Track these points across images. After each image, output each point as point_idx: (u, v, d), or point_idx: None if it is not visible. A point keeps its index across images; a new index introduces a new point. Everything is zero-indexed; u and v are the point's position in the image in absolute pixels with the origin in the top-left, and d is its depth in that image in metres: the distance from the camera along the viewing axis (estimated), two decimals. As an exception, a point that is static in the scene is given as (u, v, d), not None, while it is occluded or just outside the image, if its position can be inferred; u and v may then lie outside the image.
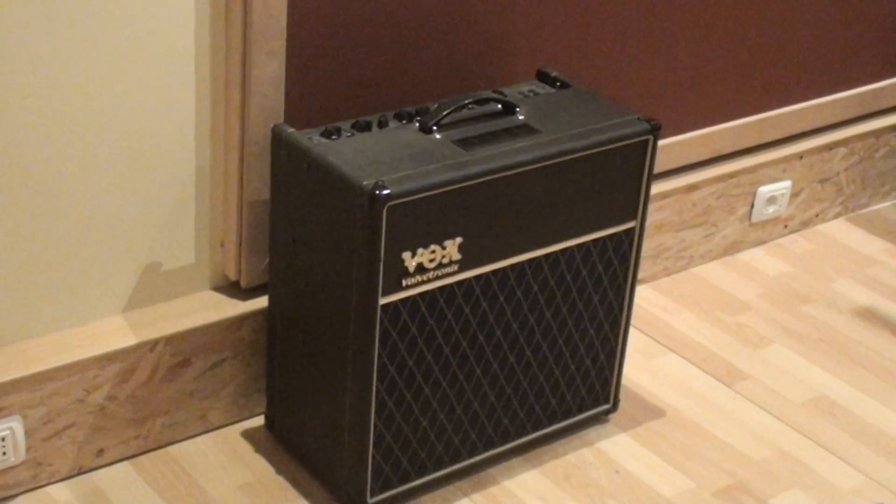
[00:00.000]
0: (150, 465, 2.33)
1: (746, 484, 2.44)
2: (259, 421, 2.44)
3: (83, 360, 2.20)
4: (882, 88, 3.35)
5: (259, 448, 2.39)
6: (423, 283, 2.12)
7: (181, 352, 2.30)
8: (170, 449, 2.36)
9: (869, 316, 3.01)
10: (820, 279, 3.13)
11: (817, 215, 3.34)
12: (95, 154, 2.14)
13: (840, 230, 3.36)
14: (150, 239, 2.26)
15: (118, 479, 2.29)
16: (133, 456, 2.33)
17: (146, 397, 2.29)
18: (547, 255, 2.28)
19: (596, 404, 2.52)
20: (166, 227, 2.27)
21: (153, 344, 2.26)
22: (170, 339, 2.27)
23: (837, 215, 3.41)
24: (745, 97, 3.04)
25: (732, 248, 3.18)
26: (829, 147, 3.26)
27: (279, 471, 2.34)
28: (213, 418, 2.40)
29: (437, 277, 2.14)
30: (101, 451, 2.29)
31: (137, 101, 2.15)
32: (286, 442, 2.38)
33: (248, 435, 2.41)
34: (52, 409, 2.19)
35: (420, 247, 2.09)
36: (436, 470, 2.31)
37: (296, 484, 2.32)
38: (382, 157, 2.10)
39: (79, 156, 2.12)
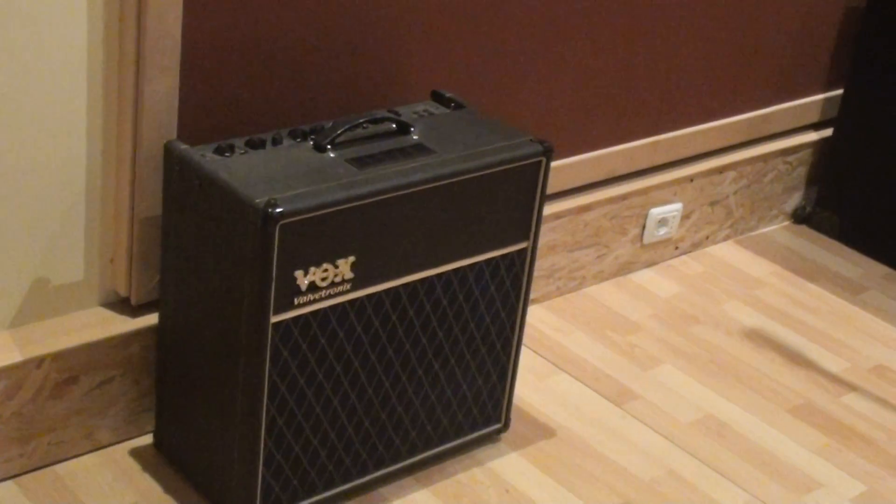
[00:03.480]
0: (35, 484, 2.29)
1: (635, 503, 2.46)
2: (148, 439, 2.41)
3: (-34, 378, 2.17)
4: (771, 114, 3.39)
5: (147, 467, 2.36)
6: (315, 301, 2.11)
7: (68, 369, 2.26)
8: (56, 468, 2.33)
9: (757, 337, 3.04)
10: (709, 300, 3.16)
11: (707, 237, 3.37)
12: None
13: (729, 252, 3.39)
14: (38, 253, 2.23)
15: (2, 498, 2.25)
16: (18, 475, 2.29)
17: (32, 415, 2.26)
18: (440, 275, 2.28)
19: (487, 424, 2.52)
20: (55, 241, 2.24)
21: (39, 361, 2.22)
22: (57, 356, 2.24)
23: (727, 237, 3.44)
24: (636, 120, 3.07)
25: (624, 268, 3.19)
26: (720, 170, 3.29)
27: (167, 490, 2.31)
28: (101, 437, 2.37)
29: (330, 296, 2.13)
30: (-16, 470, 2.26)
31: (25, 112, 2.12)
32: (175, 461, 2.36)
33: (136, 454, 2.39)
34: (-67, 426, 2.17)
35: (313, 265, 2.08)
36: (326, 489, 2.30)
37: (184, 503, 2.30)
38: (276, 175, 2.10)
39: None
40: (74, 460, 2.35)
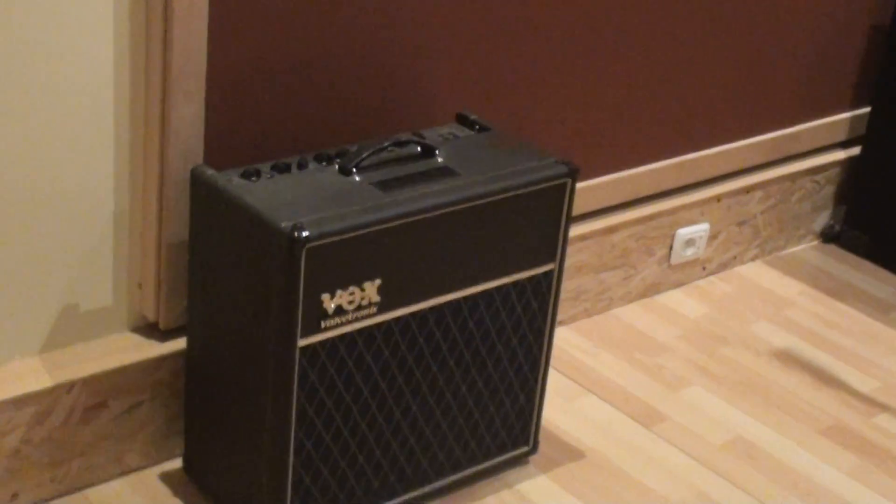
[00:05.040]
0: (66, 508, 2.31)
1: (665, 525, 2.45)
2: (177, 463, 2.42)
3: (-3, 403, 2.18)
4: (797, 133, 3.38)
5: (177, 491, 2.36)
6: (342, 324, 2.11)
7: (98, 394, 2.27)
8: (86, 492, 2.33)
9: (786, 358, 3.03)
10: (738, 321, 3.15)
11: (735, 257, 3.37)
12: (10, 192, 2.12)
13: (757, 272, 3.38)
14: (68, 279, 2.24)
15: (33, 522, 2.27)
16: (48, 500, 2.30)
17: (62, 440, 2.26)
18: (466, 298, 2.28)
19: (515, 446, 2.51)
20: (84, 267, 2.25)
21: (70, 386, 2.23)
22: (86, 381, 2.25)
23: (755, 257, 3.44)
24: (663, 140, 3.07)
25: (651, 289, 3.19)
26: (747, 190, 3.29)
27: (197, 514, 2.33)
28: (131, 461, 2.38)
29: (357, 319, 2.13)
30: (14, 495, 2.26)
31: (54, 140, 2.13)
32: (204, 484, 2.36)
33: (165, 477, 2.39)
34: (-35, 452, 2.17)
35: (339, 288, 2.08)
36: (355, 512, 2.31)
37: (214, 527, 2.31)
38: (302, 199, 2.10)
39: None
40: (104, 485, 2.35)
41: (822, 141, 3.47)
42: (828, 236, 3.59)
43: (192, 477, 2.39)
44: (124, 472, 2.38)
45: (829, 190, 3.51)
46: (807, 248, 3.54)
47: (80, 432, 2.28)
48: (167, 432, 2.40)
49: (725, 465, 2.63)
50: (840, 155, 3.51)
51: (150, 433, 2.38)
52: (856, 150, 3.53)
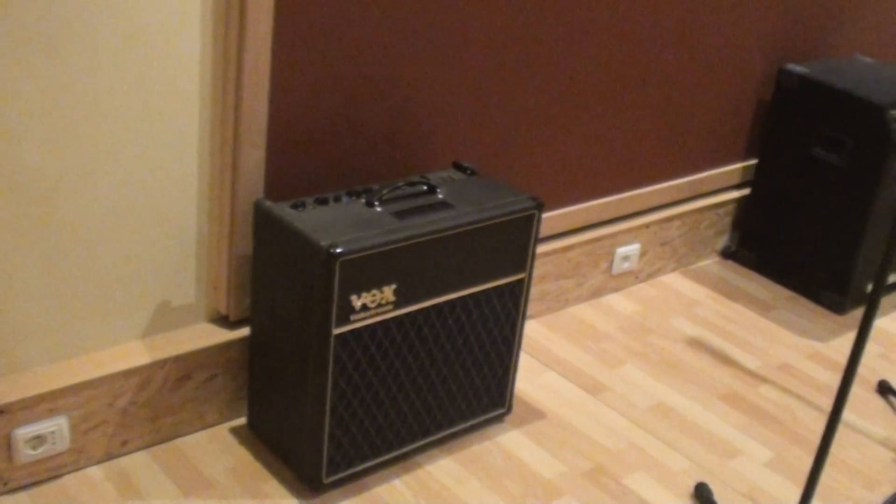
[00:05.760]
0: (162, 453, 2.25)
1: (606, 467, 2.38)
2: (243, 421, 2.37)
3: (112, 374, 2.14)
4: (705, 177, 3.34)
5: (242, 441, 2.31)
6: (366, 318, 2.07)
7: (184, 368, 2.23)
8: (176, 441, 2.29)
9: (695, 343, 2.97)
10: (660, 316, 3.09)
11: (659, 269, 3.31)
12: (120, 219, 2.09)
13: (675, 281, 3.33)
14: (162, 283, 2.20)
15: (138, 463, 2.21)
16: (149, 446, 2.26)
17: (158, 402, 2.22)
18: (460, 298, 2.23)
19: (495, 408, 2.46)
20: (173, 274, 2.21)
21: (163, 363, 2.19)
22: (176, 359, 2.21)
23: (673, 270, 3.38)
24: (607, 182, 3.02)
25: (597, 293, 3.13)
26: (668, 220, 3.24)
27: (257, 458, 2.26)
28: (209, 418, 2.33)
29: (377, 314, 2.09)
30: (125, 443, 2.22)
31: (155, 179, 2.10)
32: (263, 436, 2.31)
33: (234, 431, 2.34)
34: (89, 410, 2.13)
35: (364, 291, 2.04)
36: (375, 457, 2.25)
37: (270, 468, 2.24)
38: (337, 225, 2.06)
39: (110, 220, 2.07)
40: (189, 436, 2.31)
41: (723, 183, 3.43)
42: (726, 254, 3.54)
43: (254, 431, 2.33)
44: (204, 427, 2.33)
45: (728, 220, 3.47)
46: (711, 263, 3.48)
47: (171, 397, 2.24)
48: (235, 398, 2.35)
49: (651, 423, 2.58)
50: (735, 194, 3.46)
51: (223, 398, 2.33)
52: (747, 191, 3.49)
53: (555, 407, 2.59)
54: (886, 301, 3.40)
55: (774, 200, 3.37)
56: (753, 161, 3.48)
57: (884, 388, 2.85)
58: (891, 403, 2.80)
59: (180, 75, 2.04)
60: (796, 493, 2.39)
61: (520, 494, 2.26)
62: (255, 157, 2.16)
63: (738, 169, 3.46)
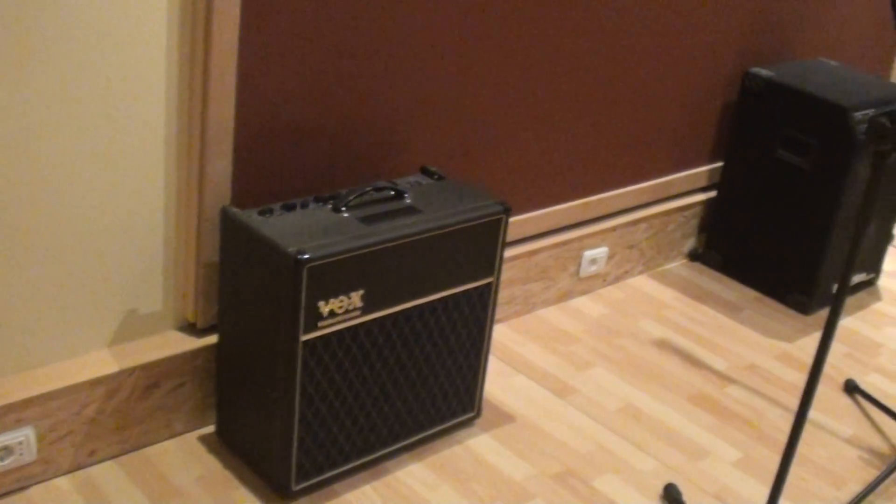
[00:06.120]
0: (130, 462, 2.24)
1: (575, 470, 2.40)
2: (211, 429, 2.36)
3: (79, 384, 2.13)
4: (671, 181, 3.36)
5: (211, 449, 2.30)
6: (334, 324, 2.07)
7: (152, 376, 2.22)
8: (144, 450, 2.28)
9: (663, 345, 2.99)
10: (628, 319, 3.11)
11: (626, 272, 3.33)
12: (88, 228, 2.08)
13: (642, 283, 3.34)
14: (129, 291, 2.19)
15: (106, 473, 2.20)
16: (117, 455, 2.25)
17: (126, 411, 2.22)
18: (428, 303, 2.24)
19: (464, 412, 2.46)
20: (141, 282, 2.20)
21: (131, 371, 2.18)
22: (144, 367, 2.20)
23: (641, 272, 3.39)
24: (574, 186, 3.03)
25: (565, 296, 3.14)
26: (635, 223, 3.25)
27: (226, 466, 2.26)
28: (177, 427, 2.32)
29: (345, 320, 2.09)
30: (93, 452, 2.21)
31: (122, 188, 2.09)
32: (231, 444, 2.30)
33: (202, 439, 2.33)
34: (57, 420, 2.12)
35: (331, 297, 2.04)
36: (344, 464, 2.25)
37: (239, 476, 2.24)
38: (304, 231, 2.06)
39: (76, 228, 2.06)
40: (157, 445, 2.30)
41: (689, 186, 3.45)
42: (693, 256, 3.56)
43: (223, 439, 2.33)
44: (172, 436, 2.33)
45: (694, 222, 3.49)
46: (678, 266, 3.51)
47: (139, 405, 2.24)
48: (204, 406, 2.35)
49: (619, 425, 2.59)
50: (702, 197, 3.48)
51: (191, 406, 2.32)
52: (713, 193, 3.51)
53: (524, 410, 2.60)
54: (852, 301, 3.43)
55: (741, 202, 3.39)
56: (719, 164, 3.51)
57: (850, 388, 2.88)
58: (857, 402, 2.83)
59: (146, 84, 2.04)
60: (765, 492, 2.41)
61: (490, 498, 2.27)
62: (221, 164, 2.16)
63: (705, 171, 3.48)
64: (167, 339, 2.27)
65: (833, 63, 3.57)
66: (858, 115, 3.06)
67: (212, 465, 2.26)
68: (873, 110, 3.12)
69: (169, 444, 2.30)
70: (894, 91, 3.29)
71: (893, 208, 3.45)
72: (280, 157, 2.29)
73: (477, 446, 2.44)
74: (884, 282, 3.60)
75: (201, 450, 2.30)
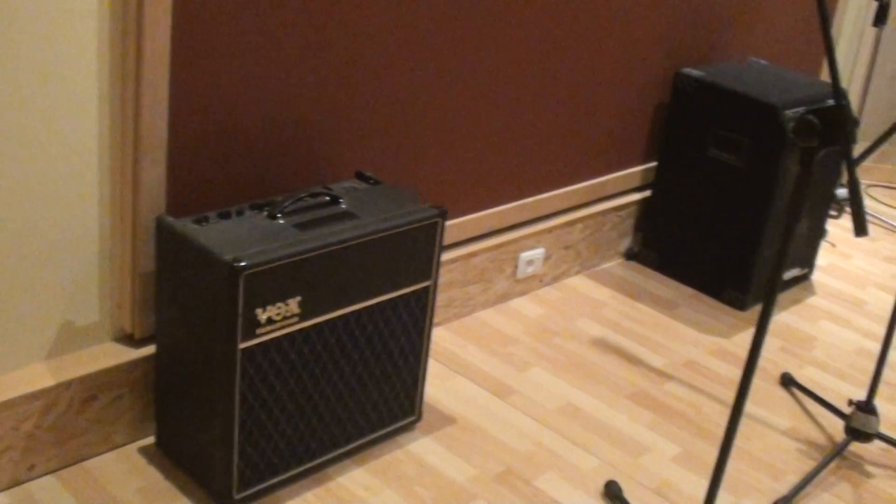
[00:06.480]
0: (70, 476, 2.22)
1: (516, 470, 2.41)
2: (151, 440, 2.35)
3: (16, 398, 2.10)
4: (606, 181, 3.39)
5: (151, 460, 2.29)
6: (272, 331, 2.07)
7: (90, 389, 2.20)
8: (84, 463, 2.26)
9: (601, 344, 3.01)
10: (566, 319, 3.13)
11: (563, 272, 3.35)
12: (20, 239, 2.06)
13: (580, 283, 3.37)
14: (65, 303, 2.18)
15: (46, 487, 2.18)
16: (56, 469, 2.23)
17: (64, 425, 2.19)
18: (366, 307, 2.24)
19: (405, 416, 2.47)
20: (77, 293, 2.19)
21: (69, 384, 2.16)
22: (81, 380, 2.18)
23: (577, 272, 3.42)
24: (509, 188, 3.05)
25: (503, 298, 3.16)
26: (571, 223, 3.28)
27: (167, 477, 2.25)
28: (116, 439, 2.30)
29: (283, 327, 2.09)
30: (32, 467, 2.18)
31: (54, 198, 2.07)
32: (172, 455, 2.29)
33: (143, 451, 2.32)
34: (-7, 435, 2.10)
35: (269, 304, 2.04)
36: (286, 471, 2.25)
37: (181, 487, 2.23)
38: (240, 238, 2.06)
39: (9, 240, 2.05)
40: (97, 458, 2.28)
41: (624, 186, 3.48)
42: (629, 255, 3.59)
43: (163, 450, 2.32)
44: (112, 448, 2.31)
45: (630, 222, 3.52)
46: (615, 265, 3.54)
47: (78, 419, 2.22)
48: (143, 417, 2.33)
49: (559, 423, 2.61)
50: (637, 196, 3.52)
51: (131, 418, 2.31)
52: (647, 193, 3.54)
53: (464, 412, 2.61)
54: (787, 296, 3.48)
55: (675, 201, 3.43)
56: (653, 163, 3.54)
57: (787, 381, 2.92)
58: (794, 395, 2.87)
59: (78, 93, 2.03)
60: (704, 486, 2.44)
61: (432, 500, 2.28)
62: (155, 172, 2.15)
63: (639, 171, 3.51)
64: (105, 350, 2.26)
65: (763, 62, 3.63)
66: (789, 113, 3.12)
67: (152, 476, 2.25)
68: (804, 108, 3.17)
69: (109, 457, 2.29)
70: (824, 89, 3.35)
71: (825, 204, 3.51)
72: (215, 164, 2.29)
73: (418, 449, 2.45)
74: (818, 276, 3.66)
75: (142, 461, 2.29)
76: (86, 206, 2.13)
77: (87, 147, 2.08)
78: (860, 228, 1.83)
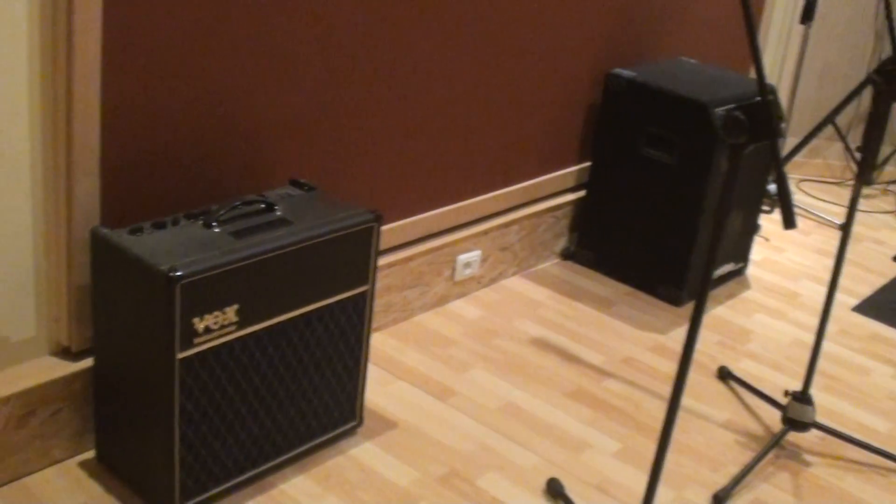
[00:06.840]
0: (9, 493, 2.20)
1: (459, 471, 2.43)
2: (91, 454, 2.33)
3: (-49, 416, 2.08)
4: (541, 182, 3.42)
5: (92, 474, 2.28)
6: (210, 340, 2.07)
7: (28, 404, 2.18)
8: (24, 480, 2.24)
9: (540, 343, 3.04)
10: (504, 319, 3.15)
11: (500, 274, 3.38)
12: None
13: (517, 284, 3.40)
14: (-1, 319, 2.16)
15: (-18, 505, 2.17)
16: (-6, 488, 2.22)
17: (2, 442, 2.17)
18: (303, 314, 2.25)
19: (346, 422, 2.48)
20: (12, 308, 2.17)
21: (6, 400, 2.14)
22: (19, 395, 2.16)
23: (514, 273, 3.44)
24: (445, 192, 3.07)
25: (441, 301, 3.18)
26: (507, 225, 3.30)
27: (108, 491, 2.24)
28: (56, 454, 2.28)
29: (221, 336, 2.09)
30: (-32, 486, 2.17)
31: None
32: (113, 468, 2.28)
33: (83, 465, 2.30)
34: (-72, 454, 2.07)
35: (206, 313, 2.04)
36: (228, 480, 2.25)
37: (122, 500, 2.21)
38: (176, 248, 2.06)
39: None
40: (37, 474, 2.26)
41: (559, 187, 3.52)
42: (566, 255, 3.62)
43: (104, 464, 2.31)
44: (52, 463, 2.29)
45: (565, 222, 3.55)
46: (551, 265, 3.57)
47: (16, 435, 2.20)
48: (83, 431, 2.32)
49: (500, 423, 2.63)
50: (571, 197, 3.55)
51: (70, 432, 2.29)
52: (582, 193, 3.57)
53: (406, 415, 2.62)
54: (723, 290, 3.53)
55: (610, 200, 3.47)
56: (587, 164, 3.58)
57: (724, 374, 2.97)
58: (731, 388, 2.92)
59: (8, 105, 2.01)
60: (644, 480, 2.47)
61: (376, 504, 2.30)
62: (89, 184, 2.14)
63: (573, 172, 3.55)
64: (42, 365, 2.24)
65: (692, 61, 3.68)
66: (719, 110, 3.17)
67: (94, 490, 2.24)
68: (733, 105, 3.22)
69: (49, 473, 2.27)
70: (753, 87, 3.40)
71: (758, 200, 3.57)
72: (149, 174, 2.28)
73: (360, 455, 2.46)
74: (752, 270, 3.72)
75: (82, 476, 2.27)
76: (18, 219, 2.11)
77: (19, 160, 2.07)
78: (788, 221, 1.87)
